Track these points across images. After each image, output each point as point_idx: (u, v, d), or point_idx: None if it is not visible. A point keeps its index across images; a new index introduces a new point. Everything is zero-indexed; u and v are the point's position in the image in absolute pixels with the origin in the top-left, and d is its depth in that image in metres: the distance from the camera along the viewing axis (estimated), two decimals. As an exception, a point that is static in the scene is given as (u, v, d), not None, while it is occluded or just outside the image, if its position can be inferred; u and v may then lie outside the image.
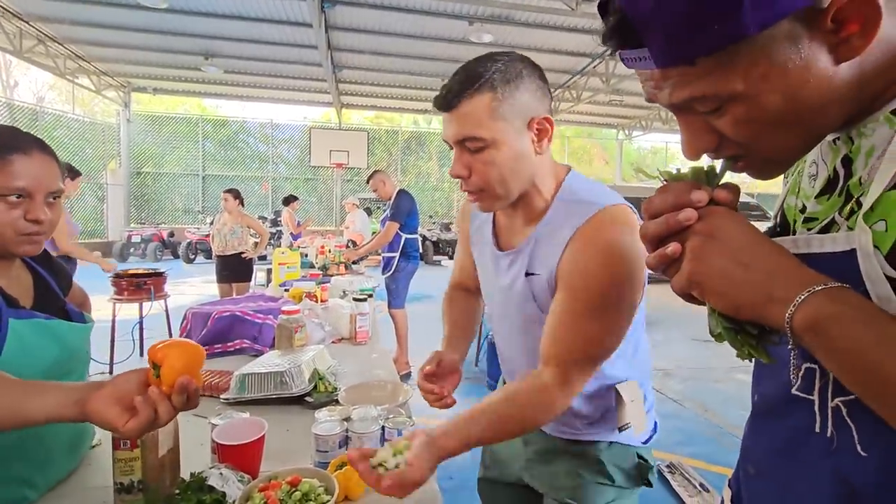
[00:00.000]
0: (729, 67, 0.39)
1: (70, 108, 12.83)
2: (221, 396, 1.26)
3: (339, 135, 13.05)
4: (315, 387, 1.28)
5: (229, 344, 1.66)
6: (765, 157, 0.45)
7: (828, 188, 0.47)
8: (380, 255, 4.17)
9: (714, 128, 0.44)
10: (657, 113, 12.34)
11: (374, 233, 10.24)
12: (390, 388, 1.32)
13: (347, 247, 4.36)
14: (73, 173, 3.62)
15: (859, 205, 0.42)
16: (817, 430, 0.46)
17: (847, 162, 0.46)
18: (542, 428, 0.97)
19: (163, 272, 3.92)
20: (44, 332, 0.84)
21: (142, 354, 4.13)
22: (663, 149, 18.50)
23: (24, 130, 0.86)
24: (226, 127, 13.87)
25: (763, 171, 0.47)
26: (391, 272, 3.94)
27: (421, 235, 12.41)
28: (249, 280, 4.95)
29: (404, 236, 3.97)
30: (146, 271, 3.86)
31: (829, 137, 0.48)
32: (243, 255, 4.79)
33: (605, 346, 0.82)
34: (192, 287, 7.86)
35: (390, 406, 1.16)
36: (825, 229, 0.45)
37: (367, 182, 4.13)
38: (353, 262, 4.18)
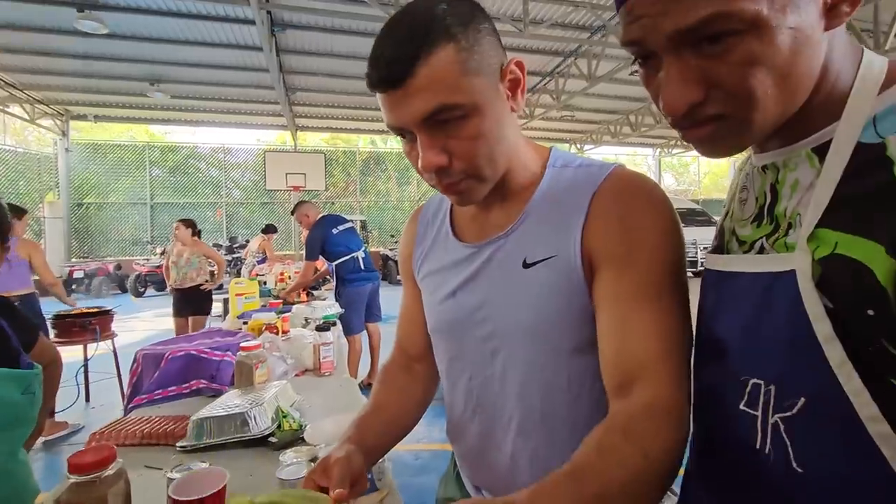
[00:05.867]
0: None
1: (0, 139, 12.04)
2: (178, 444, 1.19)
3: (294, 157, 12.85)
4: (279, 425, 1.23)
5: (184, 385, 1.57)
6: (744, 119, 0.43)
7: (759, 214, 0.51)
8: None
9: (706, 76, 0.42)
10: (606, 127, 12.88)
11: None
12: (358, 420, 1.29)
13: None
14: (18, 213, 3.47)
15: (786, 232, 0.46)
16: (758, 446, 0.47)
17: (773, 190, 0.49)
18: None
19: (109, 310, 3.70)
20: None
21: (87, 400, 3.86)
22: (614, 160, 19.27)
23: None
24: (175, 153, 13.37)
25: (725, 140, 0.45)
26: (340, 301, 3.91)
27: (383, 255, 12.30)
28: (209, 312, 4.75)
29: (333, 265, 3.98)
30: (91, 310, 3.63)
31: (759, 164, 0.52)
32: (202, 287, 4.60)
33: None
34: (144, 322, 7.44)
35: (359, 441, 1.12)
36: (757, 252, 0.49)
37: (292, 214, 4.22)
38: (310, 292, 4.11)
